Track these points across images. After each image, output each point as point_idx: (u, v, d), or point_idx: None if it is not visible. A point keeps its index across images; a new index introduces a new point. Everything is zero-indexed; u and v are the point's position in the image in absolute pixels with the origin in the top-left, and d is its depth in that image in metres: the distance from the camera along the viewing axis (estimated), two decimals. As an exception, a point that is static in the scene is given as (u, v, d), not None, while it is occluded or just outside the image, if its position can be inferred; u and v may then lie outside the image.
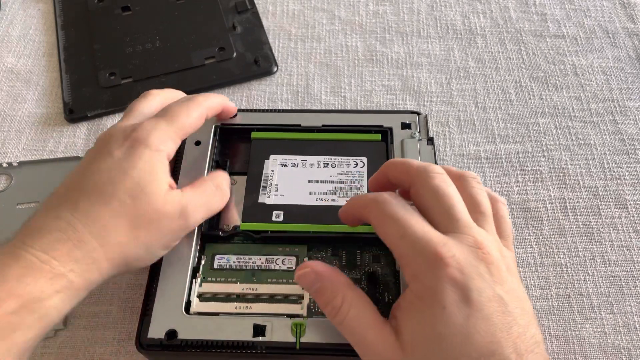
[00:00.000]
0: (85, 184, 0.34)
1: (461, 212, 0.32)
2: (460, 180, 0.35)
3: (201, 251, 0.40)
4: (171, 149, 0.37)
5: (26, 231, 0.32)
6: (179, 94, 0.43)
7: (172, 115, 0.37)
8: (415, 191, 0.34)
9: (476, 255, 0.31)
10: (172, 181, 0.36)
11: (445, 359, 0.29)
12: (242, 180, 0.43)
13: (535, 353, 0.29)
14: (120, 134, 0.36)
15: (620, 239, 0.45)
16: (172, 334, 0.35)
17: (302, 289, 0.37)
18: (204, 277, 0.38)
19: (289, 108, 0.52)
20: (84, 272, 0.32)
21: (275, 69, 0.54)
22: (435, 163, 0.42)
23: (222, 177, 0.40)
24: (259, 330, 0.35)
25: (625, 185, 0.47)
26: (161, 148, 0.36)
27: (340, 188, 0.42)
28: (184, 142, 0.44)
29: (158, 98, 0.41)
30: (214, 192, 0.39)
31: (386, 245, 0.32)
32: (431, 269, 0.30)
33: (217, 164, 0.44)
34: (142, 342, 0.35)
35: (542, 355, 0.30)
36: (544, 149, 0.49)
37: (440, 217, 0.32)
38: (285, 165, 0.43)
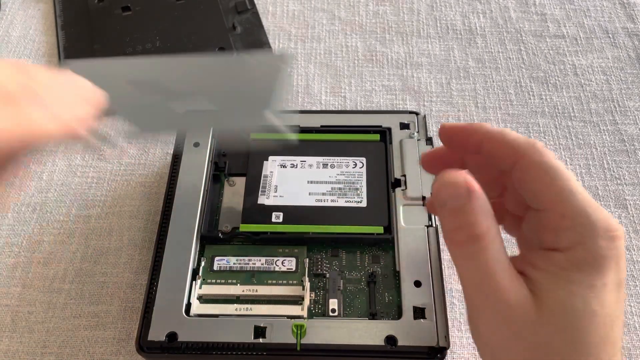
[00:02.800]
0: None
1: None
2: None
3: (201, 253, 0.40)
4: None
5: None
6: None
7: None
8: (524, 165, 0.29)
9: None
10: None
11: (589, 341, 0.26)
12: (241, 181, 0.43)
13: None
14: None
15: (620, 239, 0.45)
16: (172, 336, 0.35)
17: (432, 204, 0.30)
18: (203, 279, 0.38)
19: (289, 108, 0.52)
20: None
21: (275, 69, 0.54)
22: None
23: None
24: (259, 331, 0.35)
25: (625, 185, 0.47)
26: None
27: (340, 189, 0.42)
28: (182, 144, 0.44)
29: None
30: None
31: (534, 198, 0.28)
32: (607, 239, 0.26)
33: (216, 165, 0.44)
34: (143, 345, 0.35)
35: None
36: (544, 149, 0.49)
37: None
38: (284, 167, 0.43)
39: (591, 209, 0.27)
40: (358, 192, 0.42)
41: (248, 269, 0.39)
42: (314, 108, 0.52)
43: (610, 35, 0.57)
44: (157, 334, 0.35)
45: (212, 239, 0.40)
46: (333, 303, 0.38)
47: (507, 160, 0.29)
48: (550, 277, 0.27)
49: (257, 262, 0.39)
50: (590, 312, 0.26)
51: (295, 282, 0.38)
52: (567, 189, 0.27)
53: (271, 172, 0.43)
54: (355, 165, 0.43)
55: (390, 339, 0.35)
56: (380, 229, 0.40)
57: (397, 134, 0.44)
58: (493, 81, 0.54)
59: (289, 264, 0.39)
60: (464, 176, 0.26)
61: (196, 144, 0.44)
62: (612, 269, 0.26)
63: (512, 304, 0.26)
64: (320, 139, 0.44)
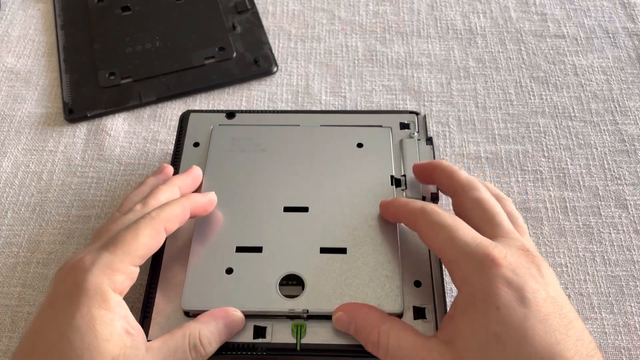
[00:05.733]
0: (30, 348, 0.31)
1: (505, 220, 0.34)
2: (497, 199, 0.36)
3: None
4: (119, 283, 0.32)
5: None
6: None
7: (116, 242, 0.32)
8: (459, 201, 0.36)
9: (526, 257, 0.31)
10: (128, 329, 0.31)
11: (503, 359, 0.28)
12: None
13: (596, 359, 0.29)
14: (65, 268, 0.33)
15: (621, 239, 0.45)
16: (172, 335, 0.35)
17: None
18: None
19: (289, 108, 0.52)
20: None
21: (275, 69, 0.54)
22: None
23: (203, 329, 0.33)
24: (259, 331, 0.35)
25: (625, 185, 0.47)
26: (103, 289, 0.31)
27: None
28: (182, 144, 0.44)
29: (145, 188, 0.40)
30: (185, 353, 0.32)
31: (432, 251, 0.34)
32: (482, 269, 0.30)
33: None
34: (143, 344, 0.35)
35: None
36: (544, 149, 0.49)
37: (485, 224, 0.34)
38: None
39: (469, 248, 0.31)
40: None
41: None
42: (314, 108, 0.52)
43: (611, 35, 0.57)
44: (157, 334, 0.35)
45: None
46: (333, 303, 0.37)
47: (409, 225, 0.36)
48: (457, 319, 0.31)
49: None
50: (493, 335, 0.28)
51: (295, 282, 0.38)
52: (448, 238, 0.32)
53: None
54: None
55: (391, 339, 0.35)
56: None
57: (397, 134, 0.44)
58: (493, 81, 0.54)
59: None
60: (342, 309, 0.34)
61: (196, 144, 0.44)
62: (501, 292, 0.29)
63: None
64: None
